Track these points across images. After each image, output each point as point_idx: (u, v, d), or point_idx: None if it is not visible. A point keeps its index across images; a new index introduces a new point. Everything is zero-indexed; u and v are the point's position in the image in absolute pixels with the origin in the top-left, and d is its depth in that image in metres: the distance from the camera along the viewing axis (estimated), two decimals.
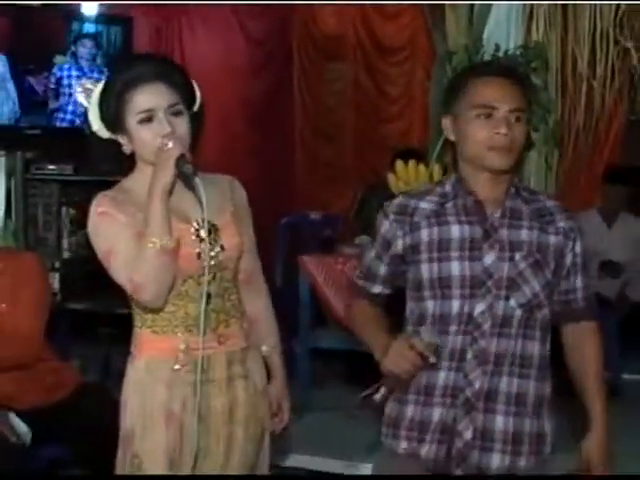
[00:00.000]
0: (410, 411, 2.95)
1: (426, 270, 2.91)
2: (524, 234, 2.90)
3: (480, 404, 2.86)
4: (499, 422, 2.88)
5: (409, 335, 2.89)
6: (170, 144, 2.89)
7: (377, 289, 3.10)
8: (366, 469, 5.27)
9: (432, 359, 2.78)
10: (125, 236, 2.92)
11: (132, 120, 2.97)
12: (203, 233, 3.00)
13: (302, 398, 6.48)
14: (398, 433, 2.98)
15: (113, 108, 2.99)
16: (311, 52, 9.44)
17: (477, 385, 2.86)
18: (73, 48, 5.35)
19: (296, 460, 5.56)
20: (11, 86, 5.18)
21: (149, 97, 2.96)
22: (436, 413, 2.90)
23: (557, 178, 5.80)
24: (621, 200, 7.26)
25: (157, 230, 2.86)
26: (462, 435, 2.87)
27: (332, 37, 9.34)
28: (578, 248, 2.97)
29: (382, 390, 2.84)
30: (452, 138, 2.97)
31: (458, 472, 2.89)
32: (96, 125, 3.07)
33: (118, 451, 3.14)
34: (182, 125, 2.98)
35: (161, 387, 3.06)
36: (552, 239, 2.92)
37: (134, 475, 3.07)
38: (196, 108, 3.13)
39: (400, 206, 2.99)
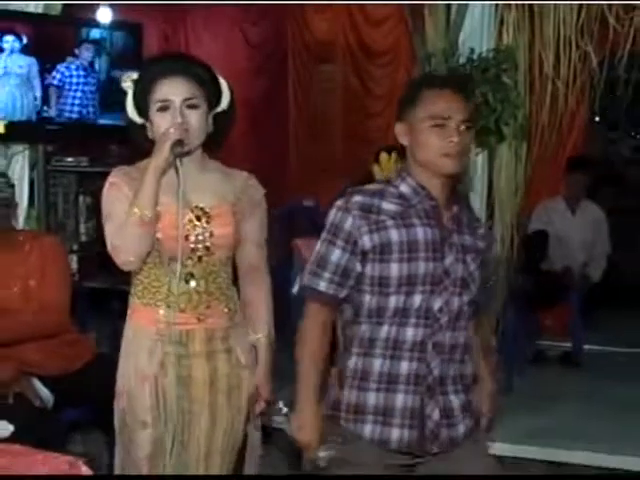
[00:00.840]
0: (373, 398, 2.92)
1: (395, 269, 2.86)
2: (467, 239, 2.96)
3: (438, 388, 2.91)
4: (454, 400, 2.94)
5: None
6: (172, 130, 2.94)
7: (344, 292, 2.93)
8: None
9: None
10: (123, 206, 2.97)
11: (153, 108, 3.04)
12: (189, 216, 3.05)
13: (292, 368, 6.51)
14: (363, 418, 2.93)
15: (141, 97, 3.07)
16: (304, 55, 9.43)
17: (436, 372, 2.91)
18: (77, 51, 5.33)
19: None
20: (37, 83, 5.17)
21: (168, 89, 3.02)
22: (399, 399, 2.90)
23: (526, 169, 5.81)
24: (582, 188, 7.29)
25: (142, 202, 2.91)
26: (432, 417, 2.91)
27: (323, 42, 9.33)
28: (490, 252, 3.13)
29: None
30: (405, 143, 2.96)
31: (434, 449, 2.92)
32: (130, 111, 3.14)
33: (114, 404, 3.19)
34: (195, 117, 3.03)
35: (143, 353, 3.10)
36: (480, 244, 3.01)
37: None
38: (224, 107, 3.16)
39: (363, 204, 2.88)
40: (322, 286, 2.93)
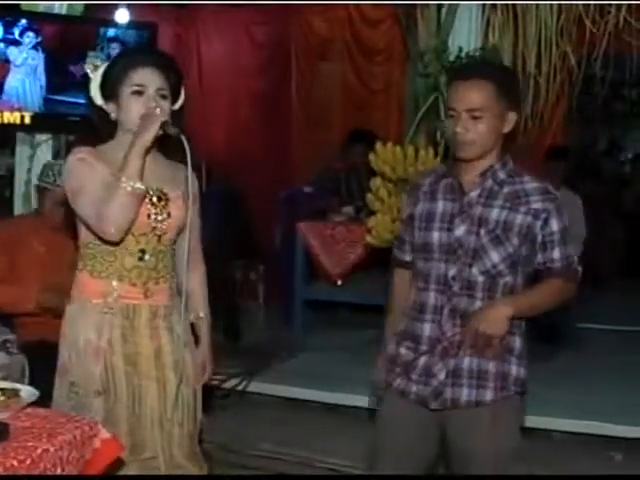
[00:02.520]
0: (403, 353, 3.02)
1: (417, 236, 3.00)
2: (494, 212, 2.89)
3: (452, 351, 2.91)
4: (466, 363, 2.91)
5: None
6: (158, 110, 2.92)
7: (407, 257, 3.12)
8: (348, 399, 5.33)
9: None
10: (96, 179, 2.92)
11: (126, 91, 2.99)
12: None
13: (297, 341, 6.53)
14: (394, 369, 3.04)
15: (113, 78, 3.02)
16: (306, 54, 9.40)
17: (449, 335, 2.91)
18: (106, 49, 5.33)
19: (290, 391, 5.61)
20: (42, 76, 5.18)
21: (144, 76, 2.99)
22: (421, 358, 2.96)
23: None
24: (560, 175, 7.27)
25: (133, 175, 2.85)
26: (437, 376, 2.92)
27: (324, 41, 9.30)
28: (553, 226, 2.92)
29: None
30: None
31: (435, 405, 2.94)
32: (93, 91, 3.10)
33: (55, 381, 3.14)
34: (165, 106, 3.00)
35: (91, 326, 3.05)
36: (519, 218, 2.88)
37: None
38: (177, 107, 3.12)
39: (413, 184, 3.13)
40: (395, 251, 3.23)
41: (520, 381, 2.97)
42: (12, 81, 5.14)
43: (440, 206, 2.95)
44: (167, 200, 3.07)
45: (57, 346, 3.15)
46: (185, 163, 2.95)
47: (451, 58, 5.47)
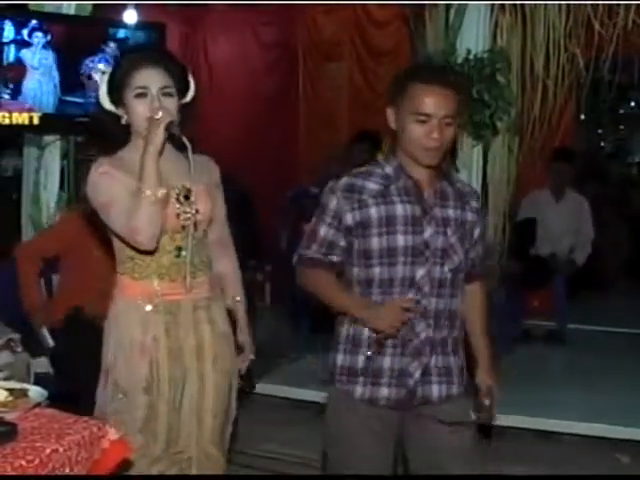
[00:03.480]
0: (362, 360, 2.97)
1: (376, 242, 2.91)
2: (450, 212, 2.96)
3: (425, 349, 2.94)
4: (434, 361, 2.96)
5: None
6: (160, 113, 2.92)
7: (337, 258, 2.98)
8: None
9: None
10: (122, 190, 2.94)
11: (130, 93, 3.02)
12: (178, 192, 3.06)
13: (303, 342, 6.53)
14: (354, 380, 2.98)
15: (117, 84, 3.04)
16: (313, 54, 9.42)
17: (423, 336, 2.93)
18: (104, 47, 5.35)
19: (296, 393, 5.61)
20: (56, 75, 5.19)
21: (146, 77, 3.00)
22: (387, 361, 2.94)
23: (517, 160, 5.82)
24: (567, 177, 7.28)
25: (152, 183, 2.87)
26: (413, 375, 2.94)
27: (331, 42, 9.32)
28: (481, 225, 3.09)
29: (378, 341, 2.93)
30: (393, 127, 2.96)
31: (409, 405, 2.97)
32: (102, 97, 3.12)
33: (99, 381, 3.18)
34: (170, 104, 3.01)
35: (136, 325, 3.09)
36: (469, 216, 3.00)
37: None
38: (189, 99, 3.15)
39: (347, 185, 2.93)
40: (310, 253, 3.02)
41: (465, 372, 3.10)
42: (29, 83, 5.14)
43: (400, 209, 2.90)
44: (194, 196, 3.10)
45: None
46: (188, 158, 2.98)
47: (459, 60, 5.46)
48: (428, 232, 2.90)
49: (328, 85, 9.43)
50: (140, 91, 3.00)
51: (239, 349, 3.34)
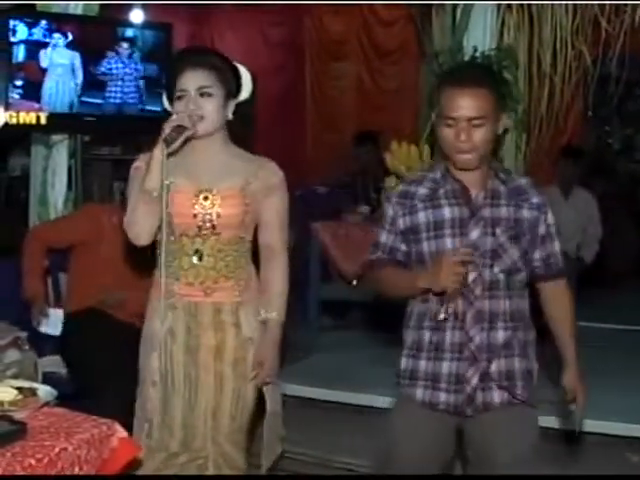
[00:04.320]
0: (423, 365, 2.97)
1: (426, 246, 2.92)
2: (503, 211, 2.90)
3: (482, 355, 2.89)
4: (494, 366, 2.90)
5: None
6: (174, 117, 2.98)
7: (402, 257, 3.02)
8: (363, 399, 5.32)
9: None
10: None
11: (175, 97, 3.09)
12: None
13: (312, 341, 6.51)
14: (415, 383, 2.99)
15: (169, 88, 3.13)
16: (320, 54, 9.44)
17: (477, 340, 2.88)
18: (116, 47, 5.36)
19: (305, 391, 5.60)
20: (79, 74, 5.22)
21: (185, 80, 3.06)
22: (445, 366, 2.93)
23: (525, 158, 5.81)
24: (574, 175, 7.26)
25: (147, 184, 2.94)
26: (470, 382, 2.90)
27: (338, 41, 9.34)
28: (550, 219, 2.98)
29: (445, 308, 2.89)
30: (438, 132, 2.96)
31: (469, 412, 2.93)
32: (165, 102, 3.21)
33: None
34: (210, 104, 3.06)
35: (156, 319, 3.15)
36: (526, 214, 2.92)
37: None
38: (246, 96, 3.20)
39: (402, 192, 3.01)
40: (374, 257, 3.07)
41: (536, 374, 3.03)
42: (48, 83, 5.17)
43: (447, 212, 2.91)
44: (217, 198, 3.10)
45: None
46: None
47: (466, 58, 5.45)
48: (475, 234, 2.88)
49: (335, 84, 9.45)
50: (179, 94, 3.08)
51: (259, 364, 3.24)
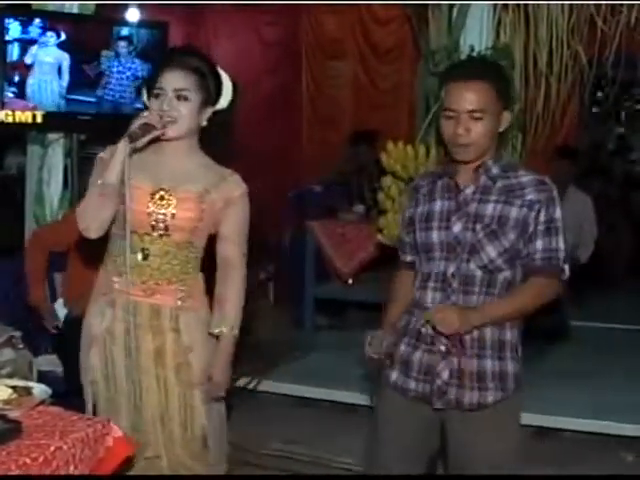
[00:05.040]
0: (402, 350, 3.01)
1: (418, 237, 3.00)
2: (489, 208, 2.89)
3: (454, 350, 2.88)
4: (467, 364, 2.88)
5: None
6: (145, 114, 2.97)
7: (410, 257, 3.11)
8: (358, 398, 5.32)
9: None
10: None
11: (152, 94, 3.06)
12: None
13: (307, 340, 6.52)
14: (393, 366, 3.04)
15: (151, 85, 3.08)
16: (317, 53, 9.42)
17: (448, 333, 2.87)
18: (114, 46, 5.35)
19: (301, 390, 5.61)
20: (66, 76, 5.21)
21: (164, 79, 3.02)
22: (417, 355, 2.96)
23: (521, 158, 5.80)
24: (570, 174, 7.26)
25: (106, 176, 2.91)
26: (441, 375, 2.90)
27: (334, 40, 9.32)
28: (542, 217, 2.88)
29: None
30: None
31: (439, 405, 2.93)
32: (144, 96, 3.16)
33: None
34: (183, 107, 3.02)
35: (95, 316, 3.12)
36: (514, 212, 2.87)
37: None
38: (224, 105, 3.16)
39: (412, 186, 3.15)
40: (399, 254, 3.20)
41: (516, 377, 2.96)
42: (34, 81, 5.13)
43: (438, 205, 2.97)
44: (172, 199, 3.05)
45: None
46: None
47: (462, 57, 5.45)
48: (457, 227, 2.91)
49: (331, 84, 9.44)
50: (156, 92, 3.04)
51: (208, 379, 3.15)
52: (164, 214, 3.03)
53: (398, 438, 3.05)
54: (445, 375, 2.90)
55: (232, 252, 3.16)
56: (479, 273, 2.89)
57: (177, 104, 3.00)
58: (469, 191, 2.92)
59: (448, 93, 2.88)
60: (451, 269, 2.91)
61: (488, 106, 2.84)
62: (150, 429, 3.13)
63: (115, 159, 2.91)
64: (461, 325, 2.81)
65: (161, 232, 3.04)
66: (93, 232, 2.97)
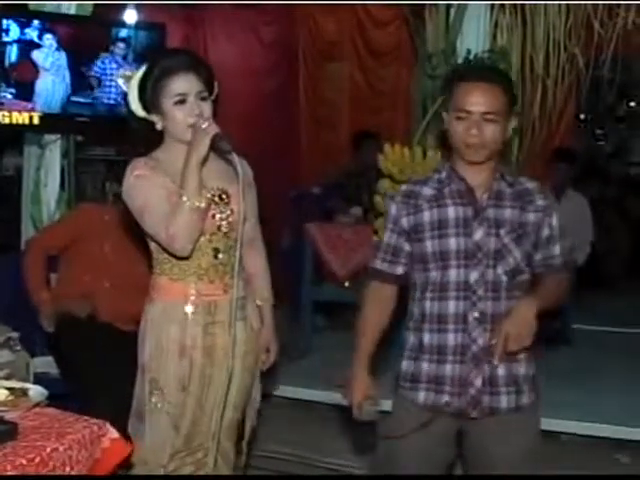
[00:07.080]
0: (426, 367, 2.96)
1: (429, 245, 2.93)
2: (507, 213, 2.90)
3: (485, 358, 2.87)
4: (500, 370, 2.89)
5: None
6: (205, 124, 2.94)
7: (402, 269, 3.03)
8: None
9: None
10: (159, 194, 2.97)
11: (168, 102, 3.03)
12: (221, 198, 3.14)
13: (304, 342, 6.52)
14: (417, 386, 2.98)
15: (151, 91, 3.05)
16: (314, 54, 9.43)
17: (480, 342, 2.87)
18: (112, 47, 5.36)
19: (298, 392, 5.61)
20: (67, 74, 5.21)
21: (183, 84, 3.02)
22: (448, 369, 2.91)
23: (517, 160, 5.82)
24: (567, 177, 7.26)
25: (193, 192, 2.90)
26: (474, 384, 2.89)
27: (331, 42, 9.33)
28: (554, 222, 2.94)
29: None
30: (447, 128, 2.97)
31: (474, 414, 2.91)
32: (134, 105, 3.13)
33: (137, 377, 3.21)
34: (207, 108, 3.05)
35: (175, 326, 3.11)
36: (531, 216, 2.91)
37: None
38: (213, 97, 3.15)
39: (406, 192, 3.03)
40: (377, 264, 3.08)
41: (537, 380, 3.02)
42: (42, 83, 5.17)
43: (451, 212, 2.92)
44: (228, 197, 3.14)
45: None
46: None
47: (459, 60, 5.46)
48: (479, 234, 2.88)
49: (329, 85, 9.44)
50: (179, 98, 3.03)
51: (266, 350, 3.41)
52: (225, 213, 3.14)
53: (422, 457, 3.02)
54: (478, 383, 2.89)
55: (256, 230, 3.39)
56: (504, 278, 2.88)
57: (201, 104, 3.04)
58: (485, 196, 2.91)
59: (461, 94, 2.87)
60: (473, 276, 2.87)
61: (501, 110, 2.86)
62: (207, 421, 3.21)
63: (193, 175, 2.91)
64: (530, 336, 2.79)
65: (225, 230, 3.13)
66: (187, 252, 3.02)
